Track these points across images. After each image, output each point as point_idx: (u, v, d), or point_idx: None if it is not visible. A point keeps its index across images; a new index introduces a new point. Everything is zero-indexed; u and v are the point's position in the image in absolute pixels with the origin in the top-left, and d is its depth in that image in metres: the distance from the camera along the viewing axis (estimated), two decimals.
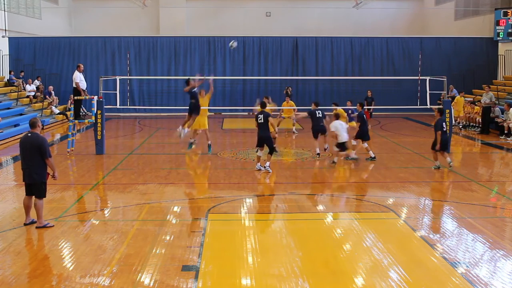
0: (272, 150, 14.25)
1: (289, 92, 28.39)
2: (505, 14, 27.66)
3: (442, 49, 30.54)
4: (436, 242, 8.86)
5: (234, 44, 17.73)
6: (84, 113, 26.13)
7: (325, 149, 16.65)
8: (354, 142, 16.03)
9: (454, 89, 27.71)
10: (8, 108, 23.61)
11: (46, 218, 9.69)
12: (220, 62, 30.29)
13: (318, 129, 16.11)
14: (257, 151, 14.48)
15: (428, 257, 8.14)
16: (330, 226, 10.04)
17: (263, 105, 14.66)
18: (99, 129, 16.73)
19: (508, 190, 13.02)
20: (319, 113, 16.17)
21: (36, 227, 9.39)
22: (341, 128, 14.92)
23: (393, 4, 34.81)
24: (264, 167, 14.19)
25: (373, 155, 15.67)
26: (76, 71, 17.49)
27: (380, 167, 14.96)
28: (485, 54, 30.12)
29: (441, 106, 15.42)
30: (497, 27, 28.24)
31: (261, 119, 14.13)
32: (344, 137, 14.91)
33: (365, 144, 15.88)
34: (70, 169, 15.24)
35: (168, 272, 7.51)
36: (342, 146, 14.96)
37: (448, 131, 14.77)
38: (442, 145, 14.37)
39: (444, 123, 14.55)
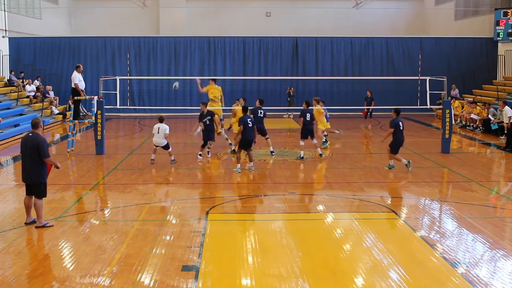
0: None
1: (291, 93, 28.42)
2: (505, 14, 27.67)
3: (442, 49, 30.54)
4: (436, 242, 8.85)
5: (176, 85, 19.09)
6: (84, 113, 26.15)
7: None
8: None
9: (457, 89, 27.75)
10: (8, 108, 23.62)
11: (46, 218, 9.69)
12: (220, 62, 30.29)
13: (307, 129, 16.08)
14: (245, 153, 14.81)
15: (428, 257, 8.14)
16: (330, 226, 10.05)
17: (244, 109, 14.81)
18: (99, 129, 16.74)
19: (508, 190, 13.03)
20: (308, 115, 15.99)
21: (36, 227, 9.40)
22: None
23: (393, 4, 34.81)
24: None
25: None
26: (75, 71, 17.50)
27: (380, 167, 14.95)
28: (485, 54, 30.13)
29: (398, 107, 14.96)
30: (497, 27, 28.24)
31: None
32: None
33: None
34: (70, 169, 15.24)
35: (168, 272, 7.51)
36: None
37: (403, 133, 14.32)
38: (394, 147, 14.16)
39: (401, 123, 14.17)
